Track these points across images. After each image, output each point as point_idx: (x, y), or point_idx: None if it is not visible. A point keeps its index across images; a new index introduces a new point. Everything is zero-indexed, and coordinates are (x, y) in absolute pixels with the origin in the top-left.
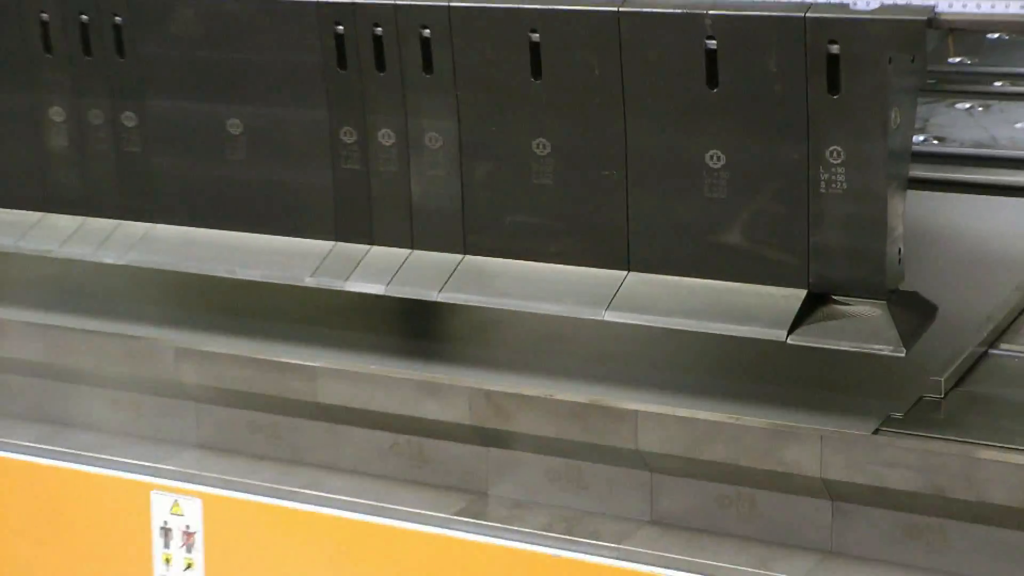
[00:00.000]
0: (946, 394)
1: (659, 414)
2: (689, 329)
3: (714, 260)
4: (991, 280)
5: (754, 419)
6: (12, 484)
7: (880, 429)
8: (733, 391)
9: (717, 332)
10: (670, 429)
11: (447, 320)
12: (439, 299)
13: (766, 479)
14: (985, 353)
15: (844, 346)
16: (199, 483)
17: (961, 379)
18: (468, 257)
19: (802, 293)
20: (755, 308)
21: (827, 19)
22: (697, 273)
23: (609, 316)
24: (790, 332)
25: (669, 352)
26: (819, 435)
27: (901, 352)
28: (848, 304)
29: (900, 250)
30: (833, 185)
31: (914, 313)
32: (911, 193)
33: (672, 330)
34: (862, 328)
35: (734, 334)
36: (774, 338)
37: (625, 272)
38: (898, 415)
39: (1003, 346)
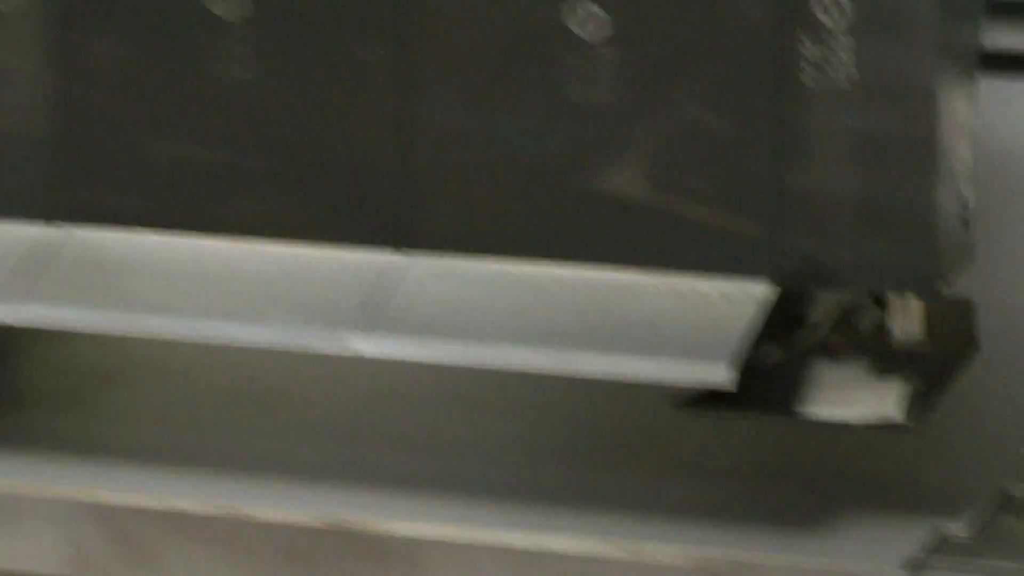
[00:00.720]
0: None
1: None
2: (547, 371)
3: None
4: None
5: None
6: None
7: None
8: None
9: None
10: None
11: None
12: None
13: None
14: None
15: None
16: None
17: None
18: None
19: (758, 290)
20: (683, 322)
21: None
22: (562, 255)
23: (367, 347)
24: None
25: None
26: None
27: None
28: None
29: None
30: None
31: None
32: None
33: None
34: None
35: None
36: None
37: (400, 255)
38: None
39: None
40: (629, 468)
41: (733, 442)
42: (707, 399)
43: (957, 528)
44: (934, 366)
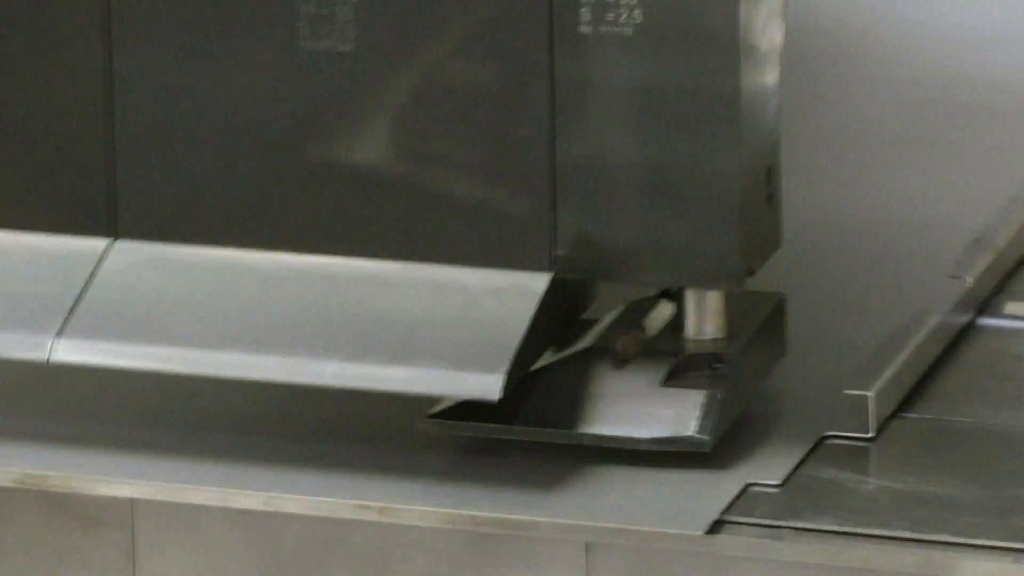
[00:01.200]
0: None
1: None
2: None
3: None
4: None
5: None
6: None
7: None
8: None
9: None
10: None
11: None
12: None
13: None
14: None
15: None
16: None
17: None
18: None
19: (532, 283)
20: (444, 322)
21: None
22: (297, 242)
23: (65, 355)
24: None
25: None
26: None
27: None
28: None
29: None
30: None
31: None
32: None
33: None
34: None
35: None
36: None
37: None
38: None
39: None
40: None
41: None
42: (462, 410)
43: (767, 481)
44: (736, 372)
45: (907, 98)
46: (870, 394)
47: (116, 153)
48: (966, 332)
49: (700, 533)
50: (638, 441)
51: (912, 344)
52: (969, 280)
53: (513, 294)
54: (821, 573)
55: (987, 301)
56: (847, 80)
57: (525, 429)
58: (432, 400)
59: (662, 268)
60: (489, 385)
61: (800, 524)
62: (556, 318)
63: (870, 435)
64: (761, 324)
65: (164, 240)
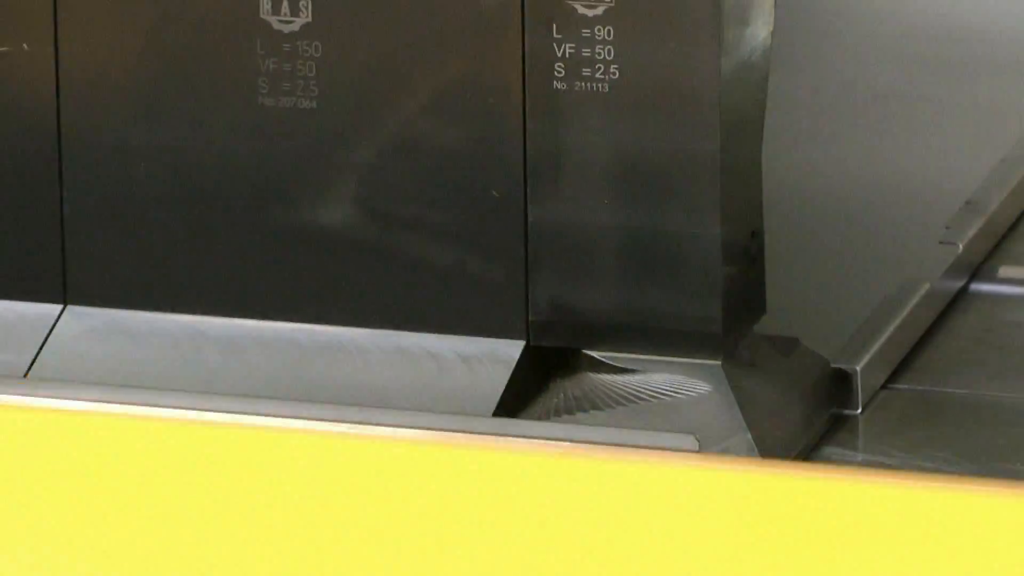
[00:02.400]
0: None
1: None
2: None
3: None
4: None
5: None
6: None
7: None
8: None
9: None
10: None
11: None
12: None
13: None
14: None
15: None
16: None
17: None
18: None
19: (517, 349)
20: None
21: None
22: (259, 310)
23: None
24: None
25: None
26: None
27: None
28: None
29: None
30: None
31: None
32: None
33: None
34: None
35: None
36: None
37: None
38: None
39: None
40: None
41: None
42: None
43: None
44: None
45: (896, 53)
46: (857, 368)
47: (67, 215)
48: (959, 298)
49: None
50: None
51: (901, 315)
52: (960, 246)
53: (486, 362)
54: None
55: (980, 267)
56: (832, 34)
57: None
58: None
59: (641, 338)
60: None
61: None
62: (531, 387)
63: (858, 410)
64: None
65: (119, 306)
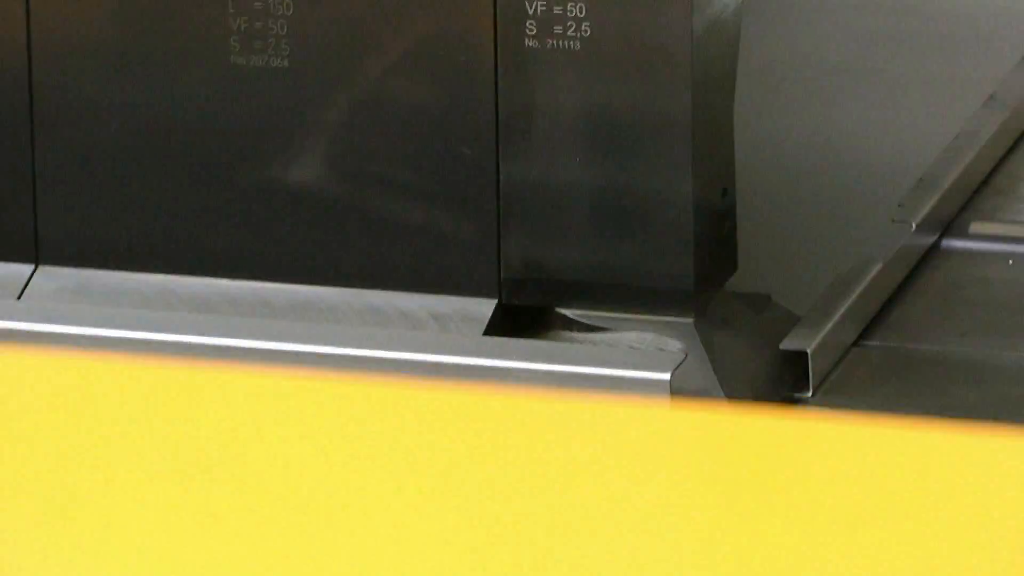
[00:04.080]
0: None
1: None
2: None
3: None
4: None
5: None
6: None
7: None
8: None
9: None
10: None
11: None
12: None
13: None
14: None
15: None
16: None
17: None
18: None
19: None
20: None
21: None
22: (231, 269)
23: None
24: None
25: None
26: None
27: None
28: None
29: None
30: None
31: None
32: None
33: None
34: None
35: None
36: None
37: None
38: None
39: None
40: None
41: None
42: None
43: None
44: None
45: (849, 26)
46: (808, 351)
47: (38, 174)
48: (929, 255)
49: None
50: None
51: (853, 296)
52: (912, 224)
53: (458, 320)
54: None
55: (934, 245)
56: (784, 7)
57: None
58: None
59: (613, 295)
60: None
61: None
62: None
63: (809, 393)
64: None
65: (91, 265)
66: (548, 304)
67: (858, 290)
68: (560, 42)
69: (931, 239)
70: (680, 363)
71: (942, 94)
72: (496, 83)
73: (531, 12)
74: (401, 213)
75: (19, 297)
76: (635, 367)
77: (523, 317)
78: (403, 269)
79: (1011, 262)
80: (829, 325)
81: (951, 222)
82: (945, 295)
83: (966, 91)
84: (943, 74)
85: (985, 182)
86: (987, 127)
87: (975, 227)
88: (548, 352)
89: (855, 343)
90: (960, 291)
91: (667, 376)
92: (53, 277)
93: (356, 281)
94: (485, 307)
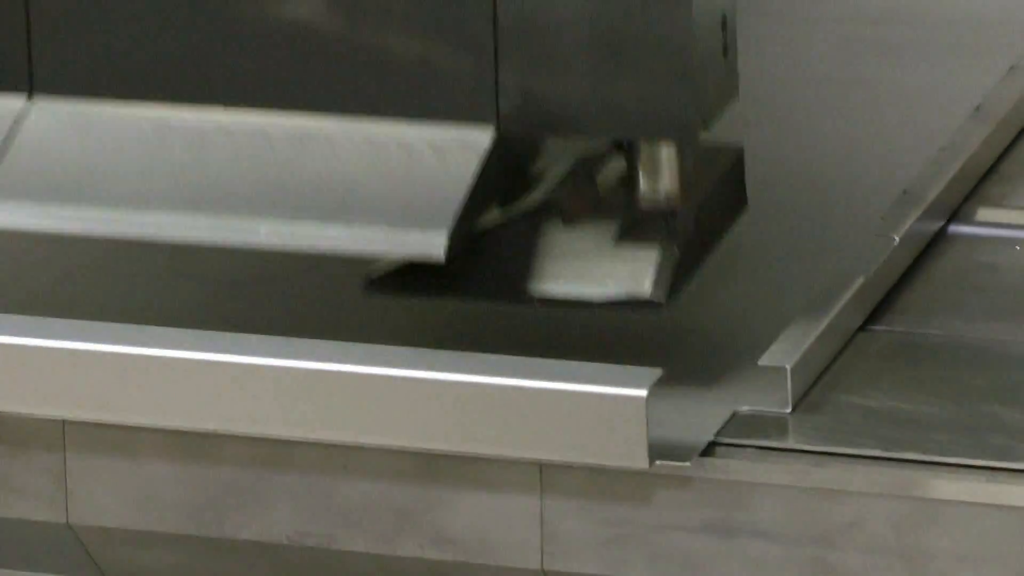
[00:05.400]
0: None
1: None
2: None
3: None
4: None
5: None
6: None
7: None
8: None
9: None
10: None
11: None
12: None
13: None
14: None
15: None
16: None
17: None
18: None
19: (477, 139)
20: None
21: None
22: (232, 98)
23: None
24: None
25: None
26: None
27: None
28: None
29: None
30: None
31: None
32: None
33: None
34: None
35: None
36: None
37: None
38: None
39: None
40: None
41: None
42: (406, 273)
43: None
44: (691, 228)
45: (833, 36)
46: (787, 367)
47: (31, 3)
48: (936, 242)
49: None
50: (591, 301)
51: (833, 311)
52: (896, 239)
53: (456, 149)
54: (789, 493)
55: (941, 231)
56: (768, 17)
57: (475, 293)
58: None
59: (611, 121)
60: (432, 244)
61: (767, 443)
62: (501, 176)
63: (788, 409)
64: (719, 178)
65: (86, 97)
66: (546, 133)
67: (839, 305)
68: None
69: (915, 251)
70: (657, 380)
71: (929, 105)
72: None
73: None
74: (399, 41)
75: (13, 130)
76: (610, 383)
77: (522, 147)
78: (401, 98)
79: (1018, 248)
80: (808, 342)
81: (958, 208)
82: (951, 281)
83: (953, 102)
84: (930, 85)
85: (983, 179)
86: (973, 138)
87: (982, 214)
88: (523, 368)
89: (861, 328)
90: (967, 276)
91: (643, 393)
92: (47, 111)
93: (353, 110)
94: (483, 136)
